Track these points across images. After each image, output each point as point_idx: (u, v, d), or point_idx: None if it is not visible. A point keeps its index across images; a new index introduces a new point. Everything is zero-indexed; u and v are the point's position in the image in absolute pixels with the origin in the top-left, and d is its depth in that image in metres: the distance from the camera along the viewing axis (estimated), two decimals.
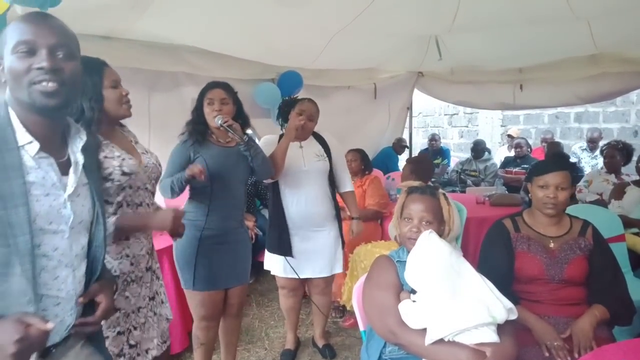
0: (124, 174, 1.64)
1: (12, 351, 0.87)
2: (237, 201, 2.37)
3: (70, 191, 1.09)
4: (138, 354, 1.73)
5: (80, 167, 1.13)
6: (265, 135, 2.86)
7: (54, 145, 1.09)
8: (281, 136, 2.75)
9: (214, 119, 2.23)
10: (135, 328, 1.72)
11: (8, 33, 1.05)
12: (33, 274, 0.99)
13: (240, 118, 2.36)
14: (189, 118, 2.37)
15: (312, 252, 2.74)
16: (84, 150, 1.15)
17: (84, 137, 1.16)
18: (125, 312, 1.69)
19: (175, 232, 1.64)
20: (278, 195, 2.74)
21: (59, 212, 1.06)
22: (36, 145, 1.03)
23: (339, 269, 2.86)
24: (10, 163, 0.99)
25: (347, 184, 2.93)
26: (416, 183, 1.85)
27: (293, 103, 2.81)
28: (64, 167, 1.10)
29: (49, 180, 1.05)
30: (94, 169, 1.19)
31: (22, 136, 1.02)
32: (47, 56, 1.04)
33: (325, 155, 2.77)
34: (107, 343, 1.62)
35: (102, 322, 1.60)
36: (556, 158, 2.25)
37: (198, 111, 2.32)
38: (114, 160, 1.63)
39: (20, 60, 1.03)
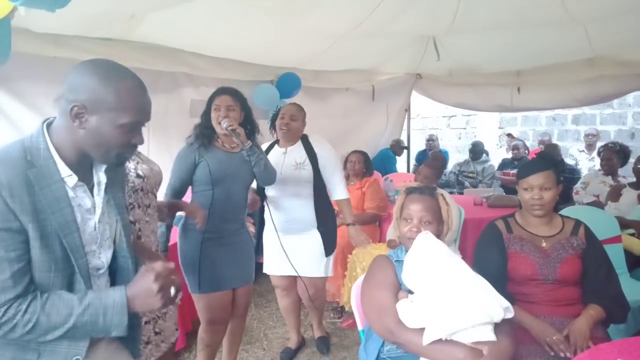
0: (138, 176, 1.76)
1: (156, 288, 1.06)
2: (239, 205, 2.39)
3: (99, 213, 1.15)
4: (162, 341, 1.87)
5: (103, 186, 1.17)
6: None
7: (84, 170, 1.14)
8: (271, 144, 2.85)
9: (220, 123, 2.25)
10: (159, 317, 1.84)
11: (113, 91, 1.06)
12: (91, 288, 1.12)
13: (249, 124, 2.38)
14: (187, 119, 2.39)
15: (294, 253, 2.73)
16: (108, 170, 1.19)
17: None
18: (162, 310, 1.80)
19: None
20: (262, 199, 2.79)
21: (91, 235, 1.13)
22: (74, 178, 1.09)
23: (321, 274, 2.82)
24: (59, 195, 1.06)
25: (338, 190, 2.81)
26: (415, 183, 1.87)
27: (279, 111, 2.85)
28: (92, 190, 1.16)
29: (84, 206, 1.12)
30: (115, 182, 1.24)
31: (63, 169, 1.07)
32: (141, 132, 1.14)
33: (307, 162, 2.71)
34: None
35: None
36: (537, 159, 2.26)
37: (206, 116, 2.34)
38: (130, 163, 1.75)
39: (123, 135, 1.09)
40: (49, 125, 1.11)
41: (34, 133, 1.08)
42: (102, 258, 1.17)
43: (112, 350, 1.22)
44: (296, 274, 2.79)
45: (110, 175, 1.20)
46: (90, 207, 1.13)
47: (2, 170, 0.99)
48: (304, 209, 2.73)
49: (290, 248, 2.73)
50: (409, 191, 1.81)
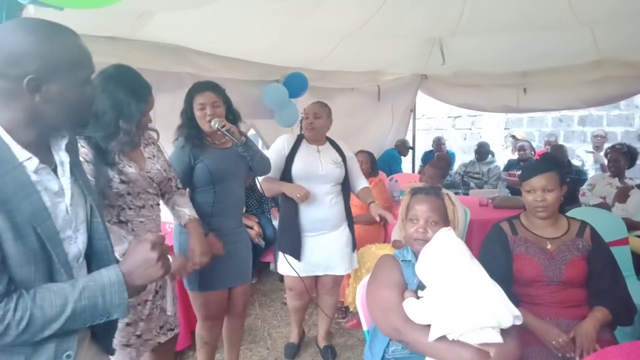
0: (122, 182, 1.71)
1: (155, 256, 1.03)
2: (238, 201, 2.40)
3: (69, 195, 1.05)
4: (141, 345, 1.81)
5: (67, 166, 1.08)
6: (284, 135, 2.89)
7: (43, 152, 1.04)
8: (299, 137, 2.84)
9: (209, 123, 2.20)
10: (141, 320, 1.79)
11: (62, 49, 0.98)
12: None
13: (231, 114, 2.33)
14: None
15: (324, 251, 2.76)
16: (68, 148, 1.10)
17: (66, 135, 1.10)
18: (133, 305, 1.74)
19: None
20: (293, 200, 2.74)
21: (64, 219, 1.04)
22: (35, 160, 0.99)
23: (350, 269, 2.91)
24: (22, 181, 0.96)
25: (362, 183, 2.97)
26: (420, 184, 1.85)
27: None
28: (56, 172, 1.06)
29: (51, 189, 1.02)
30: (77, 164, 1.15)
31: (20, 153, 0.97)
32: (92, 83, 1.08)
33: (341, 162, 2.82)
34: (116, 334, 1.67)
35: None
36: (540, 160, 2.24)
37: (188, 114, 2.27)
38: (113, 168, 1.69)
39: (86, 90, 1.04)
40: None
41: None
42: (79, 243, 1.09)
43: (92, 354, 1.18)
44: (324, 273, 2.83)
45: (71, 155, 1.10)
46: (58, 189, 1.03)
47: None
48: (337, 206, 2.79)
49: (318, 247, 2.75)
50: (414, 191, 1.80)
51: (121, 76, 1.70)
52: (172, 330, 1.97)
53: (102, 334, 1.20)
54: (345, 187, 2.86)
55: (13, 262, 0.93)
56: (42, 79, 0.95)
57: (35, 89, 0.95)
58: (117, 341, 1.70)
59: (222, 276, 2.30)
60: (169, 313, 1.94)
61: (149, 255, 1.03)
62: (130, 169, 1.74)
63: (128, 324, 1.74)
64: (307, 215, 2.72)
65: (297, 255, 2.72)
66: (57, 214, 1.02)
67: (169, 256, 1.08)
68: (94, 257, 1.15)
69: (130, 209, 1.75)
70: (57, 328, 0.95)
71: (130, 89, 1.68)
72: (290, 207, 2.73)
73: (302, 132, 2.87)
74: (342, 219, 2.83)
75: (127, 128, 1.67)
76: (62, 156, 1.08)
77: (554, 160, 2.12)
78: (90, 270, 1.12)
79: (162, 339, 1.91)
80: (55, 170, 1.05)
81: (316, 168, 2.71)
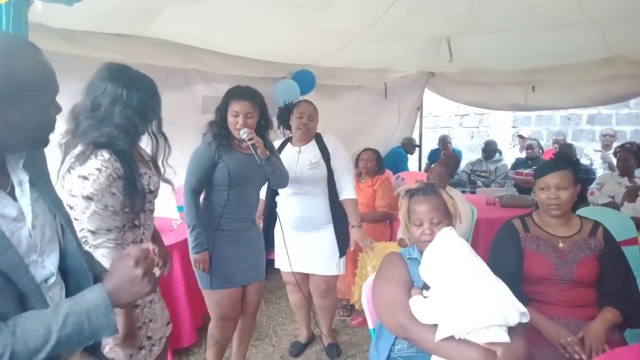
0: (150, 192, 1.71)
1: (140, 273, 0.97)
2: (251, 205, 2.41)
3: (30, 218, 0.97)
4: (153, 345, 1.80)
5: (27, 185, 0.99)
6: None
7: None
8: (283, 142, 2.82)
9: (238, 130, 2.21)
10: (150, 321, 1.78)
11: (24, 71, 0.90)
12: (47, 304, 0.97)
13: (263, 120, 2.35)
14: (200, 115, 2.37)
15: (307, 250, 2.75)
16: (28, 164, 1.01)
17: (24, 152, 1.01)
18: (141, 308, 1.73)
19: None
20: (273, 196, 2.81)
21: (28, 245, 0.96)
22: None
23: (335, 272, 2.83)
24: None
25: (346, 190, 2.76)
26: (414, 185, 1.83)
27: (290, 108, 2.82)
28: (13, 193, 0.97)
29: (9, 216, 0.93)
30: (41, 177, 1.05)
31: None
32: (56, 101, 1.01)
33: (321, 161, 2.71)
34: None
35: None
36: (555, 158, 2.23)
37: (222, 114, 2.28)
38: (143, 178, 1.68)
39: (51, 111, 0.98)
40: None
41: None
42: (48, 266, 1.00)
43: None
44: (307, 272, 2.80)
45: (31, 168, 1.01)
46: (16, 214, 0.94)
47: None
48: (318, 206, 2.74)
49: (304, 245, 2.74)
50: (412, 193, 1.76)
51: (134, 80, 1.66)
52: (169, 323, 1.95)
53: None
54: (332, 187, 2.75)
55: None
56: (1, 105, 0.87)
57: None
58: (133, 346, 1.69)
59: (235, 274, 2.32)
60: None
61: (133, 272, 0.97)
62: (155, 178, 1.76)
63: (139, 328, 1.72)
64: (289, 212, 2.74)
65: (271, 244, 2.80)
66: (20, 240, 0.94)
67: (156, 269, 1.04)
68: (70, 274, 1.08)
69: (144, 212, 1.75)
70: (43, 357, 0.88)
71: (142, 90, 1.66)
72: (269, 204, 2.82)
73: (290, 133, 2.84)
74: (325, 220, 2.75)
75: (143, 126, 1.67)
76: (20, 175, 0.99)
77: (569, 159, 2.11)
78: (67, 285, 1.07)
79: (168, 332, 1.91)
80: (12, 193, 0.96)
81: (290, 170, 2.61)
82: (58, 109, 1.00)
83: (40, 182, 1.04)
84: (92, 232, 1.55)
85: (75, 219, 1.50)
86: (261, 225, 3.83)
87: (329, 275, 2.83)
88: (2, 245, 0.89)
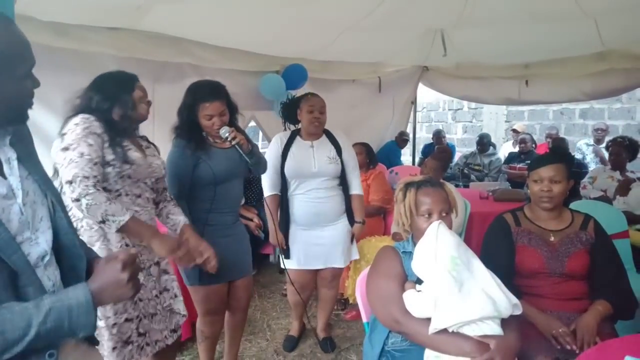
0: (125, 162, 1.71)
1: (126, 277, 0.98)
2: (236, 198, 2.39)
3: (21, 195, 0.97)
4: (147, 344, 1.77)
5: (15, 162, 0.99)
6: (277, 135, 2.84)
7: None
8: (292, 133, 2.79)
9: (218, 131, 2.16)
10: (145, 317, 1.76)
11: None
12: (40, 283, 0.97)
13: (229, 107, 2.26)
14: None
15: (323, 245, 2.76)
16: (15, 142, 1.01)
17: (10, 130, 1.01)
18: (137, 299, 1.73)
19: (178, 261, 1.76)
20: (286, 194, 2.76)
21: (20, 222, 0.96)
22: None
23: (348, 262, 2.90)
24: None
25: (355, 186, 2.84)
26: (415, 177, 1.83)
27: (297, 102, 2.80)
28: (1, 171, 0.97)
29: None
30: (30, 156, 1.06)
31: None
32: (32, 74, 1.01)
33: (337, 157, 2.75)
34: (115, 330, 1.67)
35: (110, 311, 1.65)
36: (550, 152, 2.25)
37: (191, 115, 2.18)
38: (119, 147, 1.71)
39: (27, 83, 0.98)
40: None
41: None
42: (42, 243, 1.01)
43: (83, 350, 1.13)
44: (324, 266, 2.81)
45: (19, 147, 1.01)
46: (6, 191, 0.95)
47: None
48: (334, 200, 2.76)
49: (317, 241, 2.75)
50: (419, 185, 1.74)
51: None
52: (175, 332, 1.95)
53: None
54: (344, 183, 2.81)
55: None
56: None
57: None
58: (117, 338, 1.68)
59: (222, 270, 2.28)
60: (182, 313, 1.96)
61: (119, 276, 0.98)
62: (136, 153, 1.77)
63: (128, 320, 1.71)
64: (300, 209, 2.73)
65: (285, 252, 2.76)
66: (11, 217, 0.94)
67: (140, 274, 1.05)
68: (63, 252, 1.08)
69: (127, 195, 1.75)
70: (18, 351, 0.88)
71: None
72: (285, 204, 2.76)
73: (298, 126, 2.82)
74: (339, 213, 2.79)
75: (121, 114, 1.79)
76: (7, 152, 0.99)
77: (564, 153, 2.13)
78: (61, 266, 1.07)
79: (170, 341, 1.89)
80: (0, 171, 0.97)
81: (308, 166, 2.67)
82: (36, 83, 0.99)
83: (29, 161, 1.04)
84: (69, 183, 1.56)
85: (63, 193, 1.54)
86: (256, 220, 3.82)
87: (341, 266, 2.86)
88: None
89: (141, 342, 1.75)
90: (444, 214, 1.68)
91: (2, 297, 0.89)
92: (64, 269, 1.07)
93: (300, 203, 2.73)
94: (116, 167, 1.69)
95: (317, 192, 2.71)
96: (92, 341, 1.19)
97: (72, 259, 1.08)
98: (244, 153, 2.18)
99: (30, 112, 1.02)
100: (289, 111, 2.84)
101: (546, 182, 1.93)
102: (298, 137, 2.79)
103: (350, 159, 2.84)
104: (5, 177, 0.96)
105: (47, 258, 1.02)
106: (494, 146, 6.54)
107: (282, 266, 2.89)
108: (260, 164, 2.36)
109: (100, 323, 1.65)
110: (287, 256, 2.79)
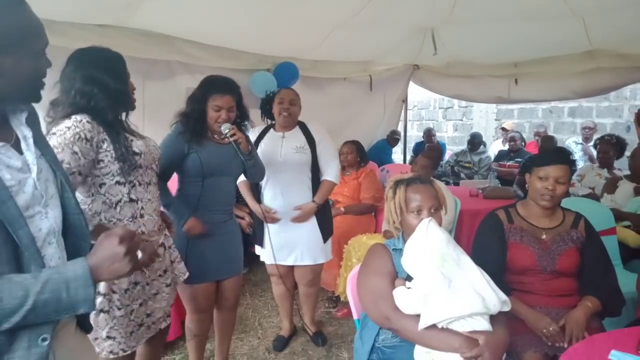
0: (135, 153, 1.71)
1: (122, 251, 0.98)
2: (227, 196, 2.36)
3: (35, 170, 1.01)
4: (153, 323, 1.85)
5: (31, 140, 1.03)
6: (257, 127, 2.85)
7: (1, 130, 1.00)
8: (265, 128, 2.83)
9: (219, 125, 2.18)
10: (149, 299, 1.81)
11: (12, 20, 0.95)
12: (42, 262, 0.98)
13: (239, 110, 2.32)
14: (183, 107, 2.31)
15: (292, 241, 2.77)
16: (29, 122, 1.05)
17: (25, 108, 1.05)
18: (142, 285, 1.77)
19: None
20: (256, 186, 2.79)
21: (34, 195, 0.99)
22: None
23: (322, 259, 2.88)
24: None
25: (329, 172, 2.80)
26: (405, 175, 1.84)
27: (272, 97, 2.83)
28: (18, 147, 1.01)
29: (14, 166, 0.97)
30: (41, 138, 1.10)
31: None
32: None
33: (306, 147, 2.74)
34: (132, 316, 1.73)
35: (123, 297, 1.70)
36: (559, 152, 2.26)
37: (200, 107, 2.21)
38: (126, 141, 1.70)
39: (42, 60, 1.01)
40: None
41: None
42: (51, 218, 1.03)
43: (78, 340, 1.14)
44: (294, 264, 2.83)
45: (34, 129, 1.06)
46: (21, 165, 0.98)
47: None
48: (302, 193, 2.75)
49: (288, 237, 2.76)
50: (408, 182, 1.75)
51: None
52: (168, 316, 1.97)
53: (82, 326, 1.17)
54: (315, 175, 2.78)
55: None
56: None
57: None
58: (134, 323, 1.74)
59: (211, 269, 2.28)
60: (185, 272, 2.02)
61: (116, 249, 0.98)
62: (139, 142, 1.77)
63: (141, 305, 1.77)
64: (270, 203, 2.75)
65: (259, 241, 2.82)
66: (25, 190, 0.98)
67: (139, 251, 1.04)
68: (69, 232, 1.11)
69: (140, 184, 1.75)
70: (17, 321, 0.89)
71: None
72: (254, 191, 2.81)
73: (272, 120, 2.85)
74: (306, 198, 2.77)
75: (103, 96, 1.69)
76: (23, 131, 1.03)
77: (570, 156, 2.14)
78: (66, 245, 1.10)
79: (163, 325, 1.92)
80: (16, 146, 1.00)
81: (274, 154, 2.68)
82: (48, 63, 1.02)
83: (41, 142, 1.08)
84: None
85: None
86: (247, 218, 3.82)
87: (317, 264, 2.85)
88: (3, 196, 0.92)
89: (149, 322, 1.82)
90: (433, 210, 1.69)
91: (3, 270, 0.91)
92: (69, 248, 1.09)
93: (268, 195, 2.77)
94: (127, 161, 1.68)
95: (283, 183, 2.72)
96: (86, 327, 1.19)
97: (78, 240, 1.11)
98: (241, 152, 2.19)
99: None
100: (266, 106, 2.88)
101: (552, 180, 1.94)
102: (272, 130, 2.83)
103: (326, 150, 2.80)
104: (21, 153, 1.00)
105: (57, 236, 1.05)
106: (485, 145, 6.59)
107: (260, 258, 2.94)
108: (256, 168, 2.37)
109: (120, 312, 1.69)
110: (261, 244, 2.85)
